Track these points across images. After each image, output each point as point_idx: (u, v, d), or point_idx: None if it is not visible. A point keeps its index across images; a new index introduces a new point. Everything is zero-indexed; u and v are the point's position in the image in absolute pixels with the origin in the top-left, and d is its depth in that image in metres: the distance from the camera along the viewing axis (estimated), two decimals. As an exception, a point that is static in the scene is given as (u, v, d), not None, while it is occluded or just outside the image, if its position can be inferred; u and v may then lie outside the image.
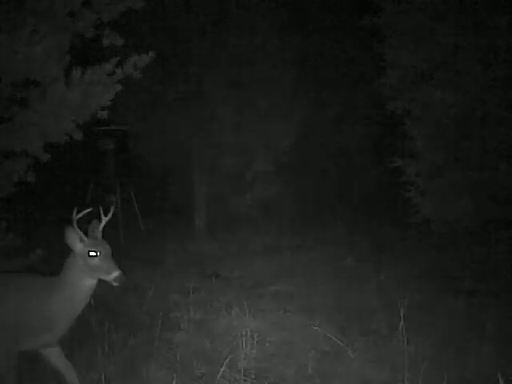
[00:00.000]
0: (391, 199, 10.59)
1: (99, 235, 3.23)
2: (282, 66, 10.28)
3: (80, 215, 3.21)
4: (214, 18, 9.58)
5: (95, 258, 3.07)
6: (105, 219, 3.31)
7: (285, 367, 3.80)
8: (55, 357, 3.27)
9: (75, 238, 3.09)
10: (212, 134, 9.70)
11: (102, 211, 3.31)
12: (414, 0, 7.30)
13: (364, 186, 12.73)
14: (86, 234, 3.13)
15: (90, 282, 3.15)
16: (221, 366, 3.54)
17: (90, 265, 3.07)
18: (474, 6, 6.90)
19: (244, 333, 4.13)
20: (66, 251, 3.12)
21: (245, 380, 3.60)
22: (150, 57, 4.58)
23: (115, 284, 3.12)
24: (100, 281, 3.16)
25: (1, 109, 4.30)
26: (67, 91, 4.28)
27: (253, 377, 3.65)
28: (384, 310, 4.87)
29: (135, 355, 3.92)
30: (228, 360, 3.64)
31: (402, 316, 3.89)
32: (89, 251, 3.07)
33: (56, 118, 4.33)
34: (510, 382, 3.16)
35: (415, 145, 7.53)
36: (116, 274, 3.10)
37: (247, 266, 7.12)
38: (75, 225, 3.13)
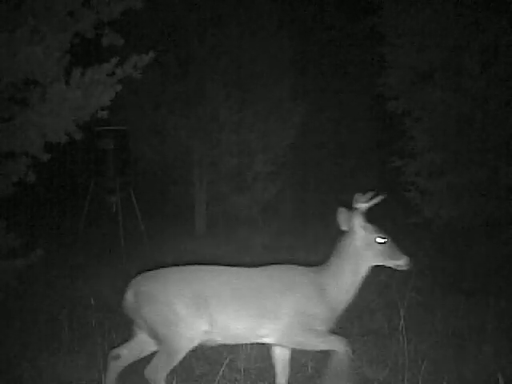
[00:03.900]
0: (391, 199, 10.58)
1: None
2: (281, 66, 10.29)
3: (372, 202, 3.04)
4: (214, 18, 9.58)
5: (383, 244, 3.01)
6: (371, 202, 3.11)
7: (285, 367, 3.79)
8: (282, 354, 3.21)
9: (358, 224, 3.02)
10: (212, 133, 9.70)
11: (369, 196, 3.11)
12: (414, 0, 7.31)
13: (364, 186, 12.72)
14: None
15: (366, 269, 3.08)
16: (221, 366, 3.54)
17: (376, 251, 3.01)
18: (474, 6, 6.90)
19: (244, 333, 4.13)
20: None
21: (245, 380, 3.60)
22: (150, 57, 4.57)
23: (404, 268, 3.06)
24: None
25: (1, 109, 4.30)
26: (67, 91, 4.28)
27: (253, 377, 3.65)
28: (384, 310, 4.88)
29: (135, 355, 3.90)
30: (228, 360, 3.64)
31: (401, 316, 3.89)
32: (376, 237, 3.01)
33: (56, 117, 4.32)
34: (510, 382, 3.16)
35: (415, 145, 7.53)
36: (406, 258, 3.04)
37: (247, 266, 7.11)
38: (361, 210, 3.03)
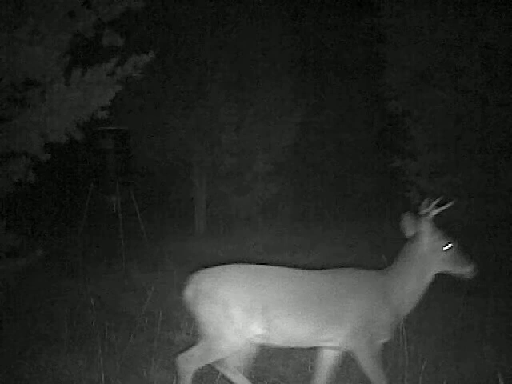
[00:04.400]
0: (391, 199, 10.60)
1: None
2: (281, 66, 10.29)
3: (442, 208, 2.98)
4: (214, 18, 9.58)
5: (450, 251, 3.00)
6: (440, 208, 3.05)
7: (285, 367, 3.80)
8: (334, 360, 3.17)
9: (426, 230, 2.97)
10: (212, 133, 9.70)
11: (433, 202, 3.04)
12: (414, 0, 7.31)
13: (364, 186, 12.73)
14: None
15: (431, 275, 3.07)
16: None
17: (443, 258, 2.99)
18: (474, 5, 6.90)
19: (244, 333, 4.13)
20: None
21: (245, 380, 3.59)
22: (150, 57, 4.57)
23: (467, 277, 3.07)
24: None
25: (1, 109, 4.30)
26: (67, 91, 4.28)
27: (253, 377, 3.64)
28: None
29: (135, 355, 3.91)
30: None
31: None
32: (444, 244, 2.98)
33: (56, 118, 4.32)
34: (510, 382, 3.16)
35: (415, 145, 7.53)
36: (472, 266, 3.04)
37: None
38: (429, 216, 2.97)
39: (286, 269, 3.12)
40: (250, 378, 3.63)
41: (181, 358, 2.95)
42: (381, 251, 7.46)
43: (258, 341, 2.98)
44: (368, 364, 2.96)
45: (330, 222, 9.66)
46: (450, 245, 2.99)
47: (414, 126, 7.51)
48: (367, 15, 7.69)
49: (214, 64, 9.55)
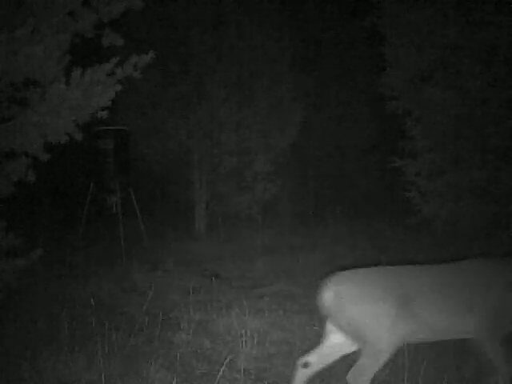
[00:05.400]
0: (391, 199, 10.60)
1: None
2: (281, 66, 10.29)
3: None
4: (214, 18, 9.58)
5: None
6: None
7: (285, 367, 3.80)
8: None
9: None
10: (212, 133, 9.70)
11: None
12: (414, 0, 7.31)
13: (364, 186, 12.74)
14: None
15: None
16: (221, 366, 3.54)
17: None
18: (474, 5, 6.90)
19: (244, 333, 4.13)
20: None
21: (245, 380, 3.60)
22: (150, 57, 4.57)
23: None
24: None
25: (1, 109, 4.29)
26: (67, 91, 4.27)
27: (253, 377, 3.65)
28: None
29: (135, 355, 3.91)
30: (228, 360, 3.64)
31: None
32: None
33: (56, 118, 4.32)
34: (510, 382, 3.15)
35: (415, 145, 7.53)
36: None
37: (247, 265, 7.12)
38: None
39: (420, 265, 3.20)
40: (250, 378, 3.64)
41: (351, 376, 2.92)
42: (381, 251, 7.51)
43: (409, 337, 3.00)
44: (497, 353, 3.02)
45: (330, 222, 9.65)
46: None
47: (414, 126, 7.52)
48: (367, 15, 7.69)
49: (214, 64, 9.56)
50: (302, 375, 3.12)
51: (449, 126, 7.24)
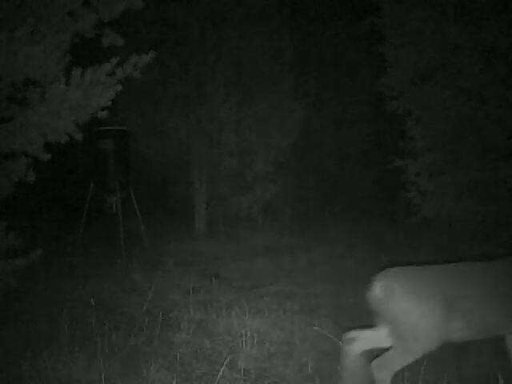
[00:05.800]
0: (391, 199, 10.60)
1: None
2: (281, 66, 10.30)
3: None
4: (214, 18, 9.58)
5: None
6: None
7: (285, 367, 3.80)
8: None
9: None
10: (212, 134, 9.71)
11: None
12: (414, 0, 7.31)
13: (364, 186, 12.74)
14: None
15: None
16: (221, 366, 3.54)
17: None
18: (474, 5, 6.90)
19: (244, 333, 4.14)
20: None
21: (245, 380, 3.60)
22: (150, 57, 4.57)
23: None
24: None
25: (1, 109, 4.29)
26: (67, 91, 4.27)
27: (253, 377, 3.65)
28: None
29: (135, 355, 3.91)
30: (228, 360, 3.64)
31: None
32: None
33: (56, 117, 4.32)
34: (510, 382, 3.15)
35: (415, 145, 7.53)
36: None
37: (247, 265, 7.13)
38: None
39: (463, 263, 3.20)
40: (250, 378, 3.64)
41: (377, 364, 2.91)
42: (381, 251, 7.51)
43: (453, 336, 2.98)
44: None
45: (330, 222, 9.66)
46: None
47: (414, 126, 7.52)
48: (367, 15, 7.69)
49: (214, 64, 9.56)
50: (349, 351, 3.11)
51: (449, 126, 7.24)
